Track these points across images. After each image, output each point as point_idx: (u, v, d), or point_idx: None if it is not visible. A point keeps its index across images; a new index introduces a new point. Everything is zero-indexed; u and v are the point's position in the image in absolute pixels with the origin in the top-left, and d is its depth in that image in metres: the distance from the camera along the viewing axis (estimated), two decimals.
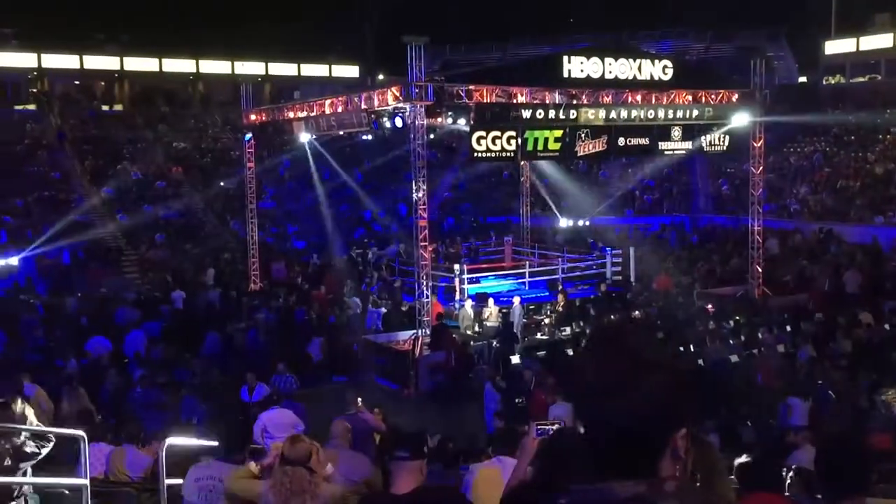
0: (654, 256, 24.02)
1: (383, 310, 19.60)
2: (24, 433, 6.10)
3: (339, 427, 6.42)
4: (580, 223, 28.96)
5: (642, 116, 18.93)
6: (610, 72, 18.11)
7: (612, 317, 18.17)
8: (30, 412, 6.91)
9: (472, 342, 17.19)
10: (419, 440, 5.77)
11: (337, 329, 18.59)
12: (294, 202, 31.80)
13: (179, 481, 6.99)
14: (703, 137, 19.97)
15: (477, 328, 18.27)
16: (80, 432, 6.84)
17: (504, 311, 18.62)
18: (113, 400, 12.90)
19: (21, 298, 20.83)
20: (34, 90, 42.42)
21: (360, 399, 8.71)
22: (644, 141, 19.36)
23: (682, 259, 25.43)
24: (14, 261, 23.60)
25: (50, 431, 8.23)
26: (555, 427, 4.19)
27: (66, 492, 6.68)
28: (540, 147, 17.74)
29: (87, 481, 6.28)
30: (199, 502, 5.14)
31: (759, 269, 20.96)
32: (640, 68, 18.49)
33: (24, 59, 41.49)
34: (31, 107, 40.28)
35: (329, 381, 16.55)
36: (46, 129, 35.91)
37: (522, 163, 23.67)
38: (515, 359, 16.19)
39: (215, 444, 6.40)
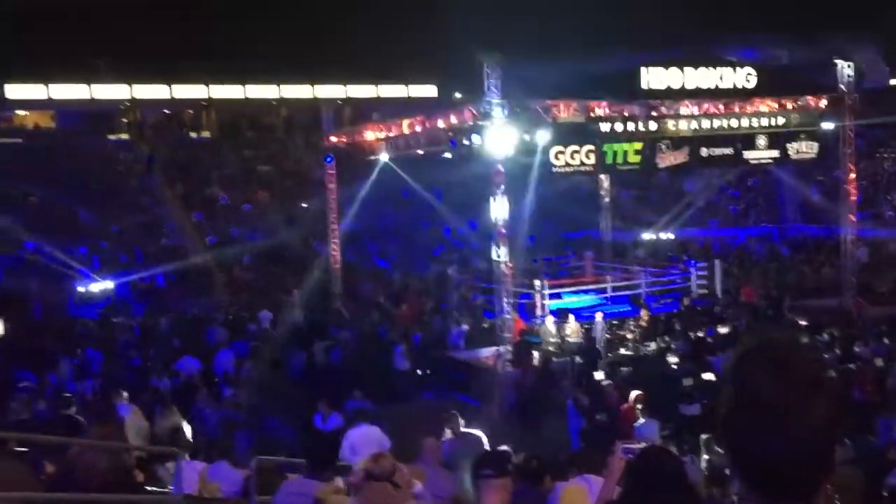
0: (740, 269, 23.39)
1: (465, 327, 19.63)
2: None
3: (428, 444, 6.45)
4: (663, 236, 28.45)
5: (725, 126, 18.51)
6: (690, 81, 17.80)
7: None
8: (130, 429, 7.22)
9: (553, 358, 17.03)
10: (504, 458, 5.76)
11: (421, 346, 18.70)
12: (375, 222, 32.24)
13: (269, 498, 7.15)
14: (790, 145, 19.38)
15: (559, 344, 18.10)
16: (175, 449, 7.08)
17: (586, 326, 18.40)
18: (203, 418, 13.27)
19: (116, 320, 21.71)
20: (126, 120, 44.38)
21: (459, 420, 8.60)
22: (728, 151, 18.92)
23: (771, 271, 24.67)
24: (110, 284, 24.63)
25: (145, 449, 8.56)
26: (641, 446, 4.13)
27: None
28: (619, 160, 17.55)
29: (181, 497, 6.48)
30: None
31: (854, 280, 20.15)
32: (721, 77, 18.11)
33: (117, 91, 43.38)
34: (124, 136, 42.14)
35: (416, 397, 16.65)
36: (139, 157, 37.47)
37: (602, 176, 23.45)
38: (599, 375, 15.95)
39: (303, 461, 6.51)
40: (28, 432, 8.18)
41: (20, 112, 43.22)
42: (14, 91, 41.36)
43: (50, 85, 41.56)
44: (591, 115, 17.22)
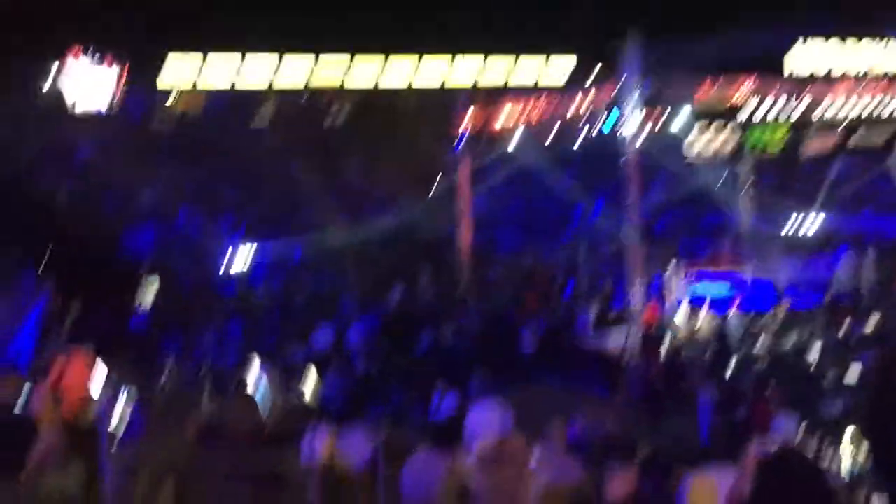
0: (893, 260, 21.91)
1: (592, 314, 19.38)
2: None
3: (554, 429, 6.43)
4: (808, 224, 26.98)
5: (882, 111, 17.34)
6: (844, 62, 16.74)
7: None
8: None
9: (683, 350, 16.55)
10: (631, 447, 5.67)
11: (548, 332, 18.60)
12: (505, 205, 32.22)
13: (396, 471, 7.33)
14: None
15: (690, 336, 17.57)
16: (306, 418, 7.37)
17: (720, 318, 17.77)
18: (335, 390, 13.73)
19: (256, 294, 22.77)
20: (266, 107, 46.07)
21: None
22: (882, 137, 17.72)
23: None
24: (251, 260, 25.81)
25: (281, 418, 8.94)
26: (776, 445, 3.98)
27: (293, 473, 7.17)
28: (762, 145, 16.77)
29: (312, 466, 6.73)
30: (413, 495, 5.37)
31: None
32: (878, 57, 16.92)
33: (263, 69, 44.98)
34: (265, 123, 43.77)
35: (542, 383, 16.59)
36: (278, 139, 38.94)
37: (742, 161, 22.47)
38: (734, 368, 15.40)
39: (429, 437, 6.62)
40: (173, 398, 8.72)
41: (175, 91, 45.60)
42: (172, 66, 43.58)
43: (203, 63, 43.61)
44: (735, 95, 16.51)
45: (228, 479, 5.29)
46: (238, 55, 43.06)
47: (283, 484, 6.84)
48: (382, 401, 12.72)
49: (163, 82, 42.60)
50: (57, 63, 38.02)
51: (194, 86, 43.57)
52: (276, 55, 43.95)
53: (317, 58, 44.77)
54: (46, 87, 38.81)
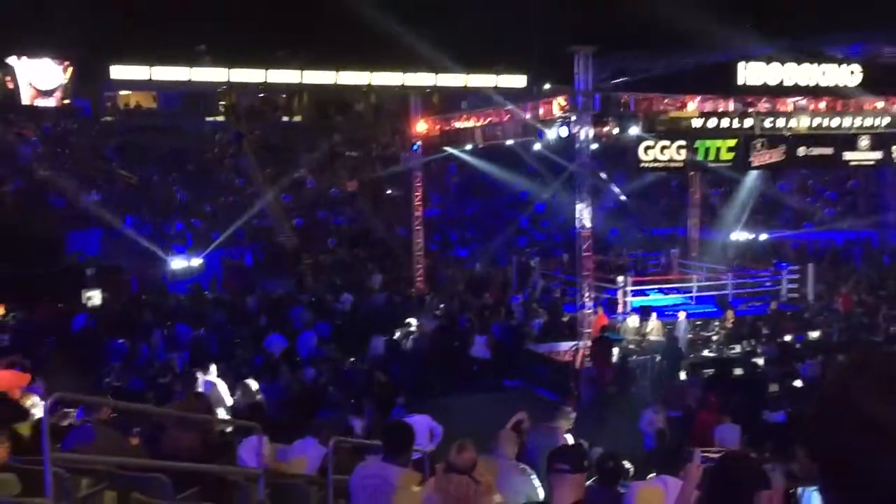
0: (835, 274, 22.51)
1: (541, 320, 19.54)
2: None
3: (503, 436, 6.44)
4: (753, 237, 27.62)
5: (825, 125, 17.80)
6: (790, 78, 17.15)
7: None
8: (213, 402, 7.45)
9: (634, 356, 16.79)
10: (580, 453, 5.70)
11: (501, 337, 18.69)
12: (458, 210, 32.37)
13: (344, 477, 7.29)
14: (895, 147, 18.52)
15: (640, 342, 17.82)
16: (256, 424, 7.28)
17: (669, 325, 18.06)
18: (285, 396, 13.61)
19: (206, 296, 22.46)
20: (223, 102, 45.81)
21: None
22: (827, 151, 18.20)
23: (869, 277, 23.65)
24: (198, 261, 25.49)
25: (229, 422, 8.84)
26: (720, 452, 4.04)
27: (242, 481, 7.10)
28: (711, 157, 17.10)
29: (261, 471, 6.66)
30: (364, 500, 5.34)
31: None
32: (823, 73, 17.39)
33: (216, 74, 44.79)
34: (220, 118, 43.54)
35: (496, 387, 16.69)
36: (232, 138, 38.61)
37: (691, 173, 22.90)
38: (681, 375, 15.65)
39: (380, 444, 6.60)
40: (120, 400, 8.56)
41: (124, 92, 45.04)
42: (119, 72, 43.25)
43: (152, 67, 43.28)
44: (684, 109, 16.83)
45: (174, 484, 5.22)
46: (187, 69, 42.93)
47: (229, 489, 6.77)
48: (332, 406, 12.63)
49: (112, 80, 42.18)
50: (10, 60, 37.48)
51: (149, 79, 43.28)
52: (225, 70, 43.87)
53: (265, 73, 44.74)
54: None
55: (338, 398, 13.11)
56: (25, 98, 38.08)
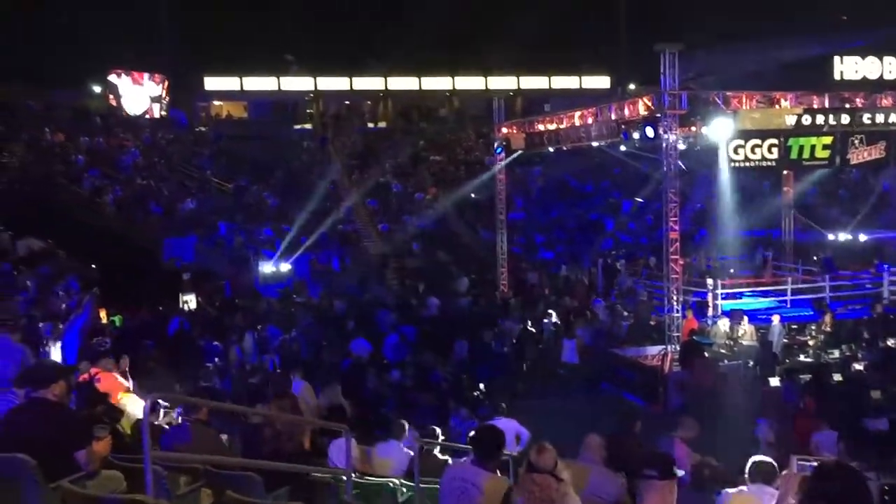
0: None
1: (627, 323, 19.24)
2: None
3: (593, 441, 6.36)
4: (853, 238, 26.48)
5: None
6: (890, 72, 16.41)
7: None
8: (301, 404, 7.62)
9: (725, 361, 16.34)
10: (669, 460, 5.59)
11: (587, 341, 18.50)
12: (543, 213, 32.16)
13: (430, 479, 7.35)
14: None
15: (731, 347, 17.33)
16: (345, 426, 7.41)
17: (762, 330, 17.50)
18: (372, 398, 13.80)
19: (295, 300, 22.98)
20: (310, 111, 46.93)
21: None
22: None
23: None
24: (288, 266, 26.11)
25: (318, 424, 9.01)
26: (818, 461, 3.89)
27: (331, 481, 7.23)
28: (806, 155, 16.50)
29: (349, 471, 6.77)
30: (451, 503, 5.37)
31: None
32: None
33: (303, 83, 46.02)
34: (308, 126, 44.65)
35: (583, 391, 16.52)
36: (319, 145, 39.46)
37: (785, 172, 22.15)
38: (774, 381, 15.14)
39: (467, 446, 6.63)
40: (215, 400, 8.83)
41: (216, 103, 46.65)
42: (212, 83, 44.97)
43: (243, 78, 44.82)
44: (776, 106, 16.29)
45: (265, 483, 5.37)
46: (276, 78, 44.44)
47: (318, 488, 6.91)
48: (418, 409, 12.75)
49: (206, 91, 43.91)
50: (111, 77, 39.48)
51: (240, 90, 44.90)
52: (311, 78, 45.12)
53: (350, 81, 45.83)
54: (100, 96, 40.33)
55: (423, 401, 13.22)
56: (125, 111, 39.91)
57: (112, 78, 39.61)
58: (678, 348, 16.12)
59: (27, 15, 34.11)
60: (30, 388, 5.10)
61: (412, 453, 8.09)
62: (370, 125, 46.10)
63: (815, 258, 24.87)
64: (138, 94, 40.41)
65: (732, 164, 16.27)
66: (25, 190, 25.62)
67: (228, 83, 45.18)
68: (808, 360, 16.89)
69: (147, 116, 40.00)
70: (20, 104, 34.37)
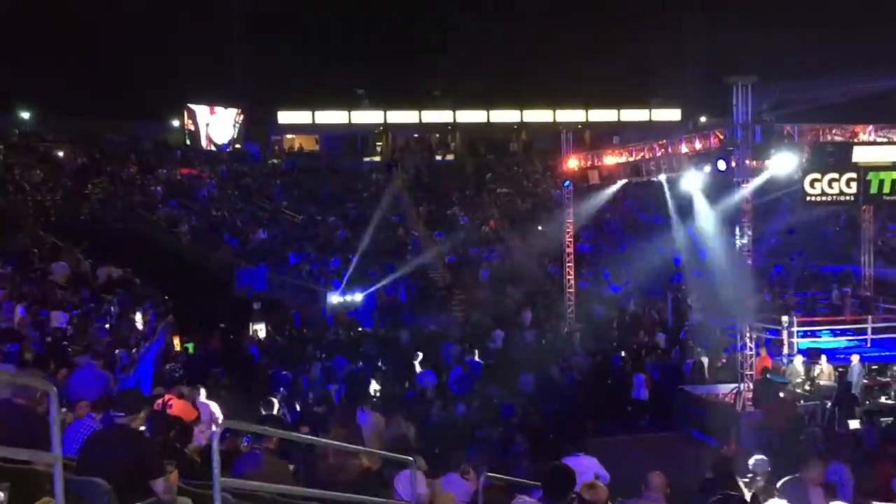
0: None
1: (704, 360, 18.78)
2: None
3: (655, 480, 6.24)
4: None
5: None
6: None
7: None
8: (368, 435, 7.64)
9: (801, 401, 15.78)
10: (741, 502, 5.43)
11: (657, 377, 18.14)
12: (611, 246, 31.83)
13: None
14: None
15: (808, 386, 16.74)
16: (410, 458, 7.40)
17: (840, 369, 16.87)
18: (437, 431, 13.76)
19: (362, 331, 23.19)
20: (379, 143, 47.71)
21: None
22: None
23: None
24: (359, 296, 26.40)
25: (382, 454, 9.04)
26: None
27: None
28: (886, 190, 15.95)
29: (413, 503, 6.76)
30: None
31: None
32: None
33: (373, 117, 46.89)
34: (377, 158, 45.38)
35: (651, 428, 16.18)
36: (388, 176, 39.99)
37: (864, 207, 21.46)
38: (854, 423, 14.56)
39: (531, 482, 6.57)
40: (281, 429, 8.94)
41: (289, 136, 47.85)
42: (285, 117, 46.22)
43: (315, 111, 45.94)
44: (855, 140, 15.85)
45: None
46: (346, 112, 45.57)
47: None
48: (482, 442, 12.66)
49: (279, 124, 45.22)
50: (191, 105, 41.05)
51: (312, 123, 46.09)
52: (381, 112, 46.07)
53: (419, 114, 46.61)
54: (179, 129, 41.97)
55: (488, 434, 13.12)
56: (203, 142, 41.29)
57: (192, 105, 41.15)
58: (751, 386, 15.67)
59: (107, 49, 35.74)
60: (113, 414, 5.26)
61: (475, 486, 8.03)
62: (438, 157, 46.56)
63: None
64: (219, 125, 41.90)
65: (809, 199, 15.83)
66: (106, 220, 26.61)
67: (301, 117, 46.36)
68: (890, 401, 16.19)
69: (229, 146, 41.44)
70: (103, 138, 35.84)
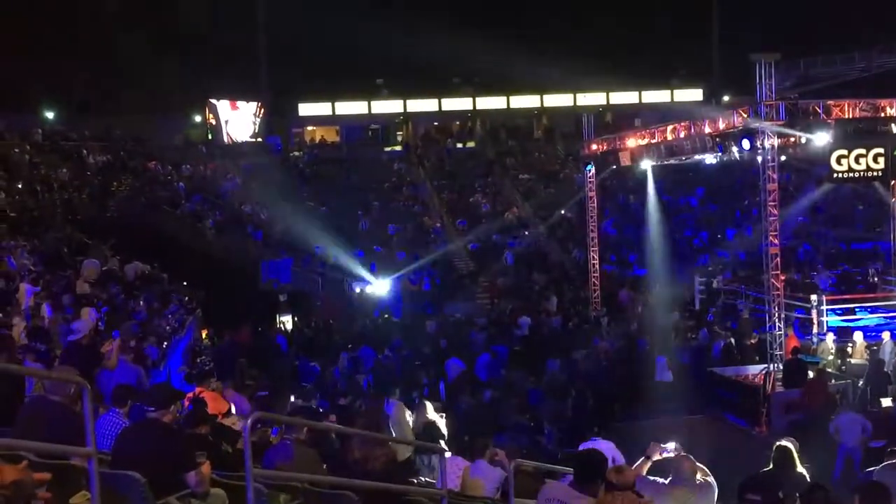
0: None
1: (730, 340, 18.63)
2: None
3: (684, 464, 6.19)
4: None
5: None
6: None
7: None
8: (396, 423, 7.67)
9: (833, 380, 15.62)
10: (775, 484, 5.39)
11: (684, 360, 18.02)
12: (635, 229, 31.63)
13: (524, 501, 7.28)
14: None
15: (839, 365, 16.56)
16: (440, 446, 7.44)
17: (873, 347, 16.66)
18: (465, 418, 13.78)
19: (388, 320, 23.26)
20: (400, 132, 47.66)
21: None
22: None
23: None
24: (384, 286, 26.47)
25: (411, 443, 9.08)
26: None
27: (426, 500, 7.24)
28: None
29: (444, 491, 6.78)
30: None
31: None
32: None
33: (392, 106, 46.82)
34: (398, 147, 45.34)
35: (679, 412, 16.07)
36: (410, 166, 39.95)
37: (893, 182, 21.12)
38: (887, 401, 14.38)
39: (566, 469, 6.56)
40: (310, 419, 9.00)
41: (310, 128, 47.94)
42: (306, 109, 46.29)
43: (335, 102, 45.97)
44: (882, 114, 15.59)
45: (361, 501, 5.43)
46: (366, 102, 45.57)
47: None
48: (510, 429, 12.66)
49: (300, 116, 45.36)
50: (211, 100, 41.29)
51: (332, 114, 46.20)
52: (401, 101, 45.97)
53: (439, 102, 46.46)
54: (201, 125, 42.24)
55: (516, 420, 13.13)
56: (225, 136, 41.52)
57: (213, 101, 41.35)
58: (781, 367, 15.53)
59: (125, 46, 36.05)
60: (145, 407, 5.33)
61: (505, 473, 8.04)
62: (459, 145, 46.44)
63: None
64: (240, 119, 42.11)
65: (836, 176, 15.62)
66: (132, 216, 26.84)
67: (321, 108, 46.40)
68: None
69: (250, 139, 41.66)
70: (125, 135, 36.11)
